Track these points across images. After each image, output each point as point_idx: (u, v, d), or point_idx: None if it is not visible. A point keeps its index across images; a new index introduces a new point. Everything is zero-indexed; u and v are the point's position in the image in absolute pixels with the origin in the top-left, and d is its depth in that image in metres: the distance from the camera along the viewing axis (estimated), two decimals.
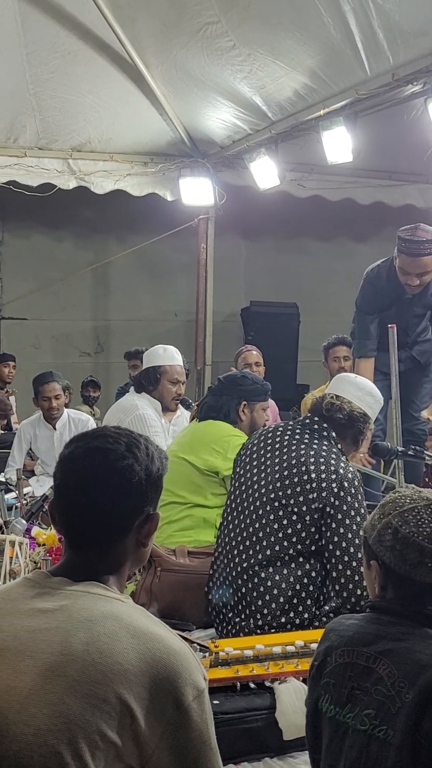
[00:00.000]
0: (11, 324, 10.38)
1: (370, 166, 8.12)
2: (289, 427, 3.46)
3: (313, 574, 3.20)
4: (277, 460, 3.34)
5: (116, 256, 9.84)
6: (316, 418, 3.42)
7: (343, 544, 3.14)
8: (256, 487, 3.35)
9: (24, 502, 4.62)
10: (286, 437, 3.39)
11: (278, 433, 3.44)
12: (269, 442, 3.43)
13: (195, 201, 8.44)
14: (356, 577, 3.12)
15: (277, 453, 3.36)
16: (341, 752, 1.89)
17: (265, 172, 7.53)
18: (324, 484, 3.19)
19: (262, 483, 3.33)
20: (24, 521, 4.20)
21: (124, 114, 7.82)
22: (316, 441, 3.34)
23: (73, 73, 7.32)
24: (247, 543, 3.29)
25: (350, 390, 3.44)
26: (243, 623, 3.22)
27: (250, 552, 3.26)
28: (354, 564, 3.12)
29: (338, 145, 6.46)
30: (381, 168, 8.38)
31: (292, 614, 3.17)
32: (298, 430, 3.41)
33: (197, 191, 8.33)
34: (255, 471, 3.40)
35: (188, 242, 9.24)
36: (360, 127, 6.35)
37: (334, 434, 3.37)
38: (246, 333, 9.81)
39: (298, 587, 3.17)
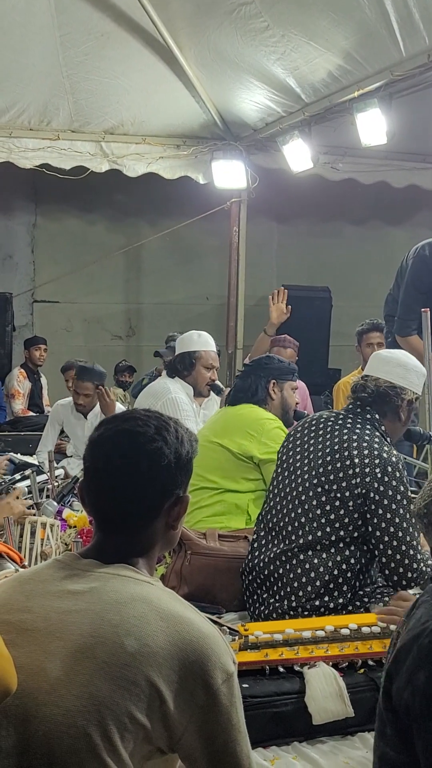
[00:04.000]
0: (44, 307, 10.43)
1: (405, 149, 8.03)
2: (333, 416, 3.45)
3: (353, 560, 3.19)
4: (320, 446, 3.33)
5: (148, 240, 9.83)
6: (358, 402, 3.41)
7: (391, 530, 3.12)
8: (299, 472, 3.35)
9: (55, 483, 4.63)
10: (330, 423, 3.38)
11: (322, 419, 3.44)
12: (313, 428, 3.42)
13: (227, 184, 8.41)
14: (406, 561, 3.11)
15: (320, 439, 3.35)
16: (386, 723, 1.90)
17: (298, 155, 7.48)
18: (367, 470, 3.17)
19: (306, 468, 3.32)
20: (55, 503, 4.22)
21: (156, 96, 7.79)
22: (359, 426, 3.32)
23: (106, 55, 7.31)
24: (289, 528, 3.28)
25: (377, 366, 3.42)
26: (277, 604, 3.22)
27: (292, 537, 3.26)
28: (403, 548, 3.11)
29: (372, 127, 6.39)
30: (416, 150, 8.29)
31: (327, 598, 3.16)
32: (341, 417, 3.40)
33: (230, 174, 8.29)
34: (298, 456, 3.39)
35: (220, 225, 9.21)
36: (395, 108, 6.27)
37: (377, 416, 3.36)
38: None
39: (336, 572, 3.17)
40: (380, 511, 3.14)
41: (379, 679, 2.05)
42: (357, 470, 3.18)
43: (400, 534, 3.12)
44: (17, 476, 4.47)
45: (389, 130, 6.36)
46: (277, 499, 3.41)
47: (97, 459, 1.82)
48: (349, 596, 3.19)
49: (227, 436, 4.05)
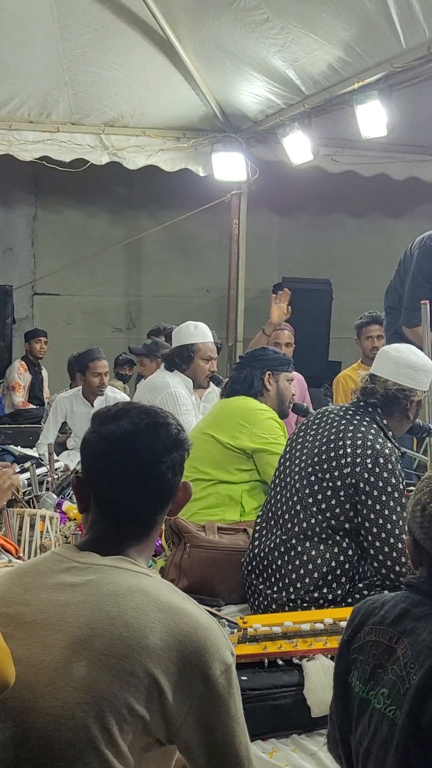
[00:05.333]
0: (44, 299, 10.41)
1: (405, 141, 8.01)
2: (337, 409, 3.47)
3: (350, 552, 3.20)
4: (318, 436, 3.35)
5: (148, 232, 9.81)
6: (362, 398, 3.42)
7: (380, 521, 3.12)
8: (297, 461, 3.37)
9: (55, 476, 4.64)
10: (332, 416, 3.40)
11: (326, 413, 3.46)
12: (317, 421, 3.44)
13: (227, 176, 8.39)
14: (394, 554, 3.11)
15: (320, 430, 3.37)
16: (366, 729, 1.89)
17: (298, 147, 7.46)
18: (358, 460, 3.18)
19: (303, 458, 3.35)
20: (55, 496, 4.23)
21: (156, 88, 7.77)
22: (357, 418, 3.33)
23: (106, 47, 7.29)
24: (286, 516, 3.30)
25: (386, 367, 3.41)
26: (275, 596, 3.24)
27: (289, 525, 3.28)
28: (392, 541, 3.11)
29: (372, 119, 6.38)
30: (416, 143, 8.26)
31: (325, 590, 3.17)
32: (343, 410, 3.42)
33: (230, 166, 8.28)
34: (299, 447, 3.42)
35: (221, 218, 9.19)
36: (395, 100, 6.26)
37: (379, 410, 3.36)
38: None
39: (333, 564, 3.17)
40: (369, 503, 3.14)
41: None
42: (348, 460, 3.19)
43: (389, 526, 3.12)
44: (17, 468, 4.47)
45: (389, 122, 6.36)
46: (278, 489, 3.43)
47: (128, 453, 1.80)
48: (348, 588, 3.19)
49: (220, 427, 4.05)
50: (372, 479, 3.15)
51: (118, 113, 7.90)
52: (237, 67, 7.13)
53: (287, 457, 3.47)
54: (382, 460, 3.17)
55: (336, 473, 3.20)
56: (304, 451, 3.37)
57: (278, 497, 3.40)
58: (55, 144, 7.79)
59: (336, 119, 7.23)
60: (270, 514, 3.41)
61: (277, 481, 3.46)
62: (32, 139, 7.74)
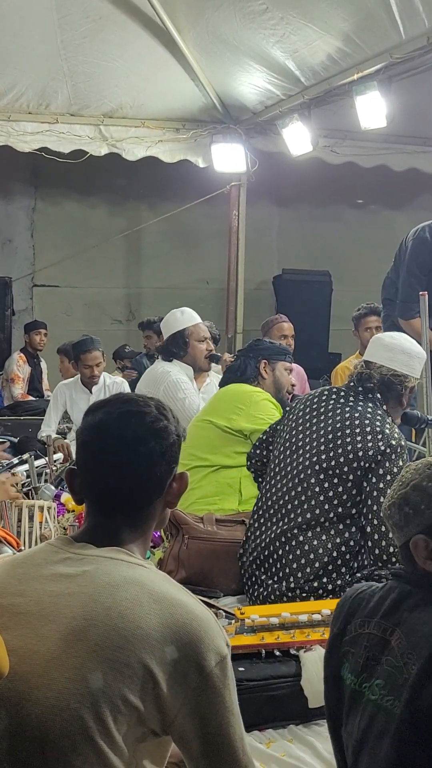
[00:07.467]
0: (43, 291, 10.40)
1: (405, 132, 8.00)
2: (334, 391, 3.47)
3: (352, 542, 3.19)
4: (322, 424, 3.34)
5: (148, 224, 9.80)
6: (360, 382, 3.42)
7: (381, 499, 3.11)
8: (300, 452, 3.36)
9: (54, 468, 4.64)
10: (332, 401, 3.40)
11: (323, 397, 3.45)
12: (314, 406, 3.44)
13: (227, 168, 8.39)
14: (390, 534, 3.11)
15: (322, 417, 3.37)
16: (357, 720, 1.89)
17: (298, 138, 7.46)
18: (370, 444, 3.19)
19: (307, 447, 3.34)
20: (53, 487, 4.23)
21: (155, 79, 7.76)
22: (361, 403, 3.34)
23: (105, 38, 7.28)
24: (288, 506, 3.29)
25: (381, 353, 3.42)
26: (275, 585, 3.23)
27: (291, 515, 3.27)
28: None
29: (372, 110, 6.38)
30: (416, 134, 8.26)
31: (325, 580, 3.17)
32: (343, 393, 3.42)
33: (229, 158, 8.28)
34: (300, 436, 3.40)
35: (220, 209, 9.18)
36: (394, 91, 6.26)
37: (379, 396, 3.37)
38: (278, 301, 9.74)
39: (335, 554, 3.17)
40: (374, 480, 3.15)
41: None
42: (359, 445, 3.20)
43: None
44: (15, 460, 4.47)
45: (389, 113, 6.36)
46: (278, 478, 3.41)
47: (105, 441, 1.80)
48: (347, 578, 3.19)
49: (216, 412, 4.08)
50: (380, 458, 3.17)
51: (117, 104, 7.90)
52: (236, 57, 7.12)
53: (287, 445, 3.45)
54: (393, 442, 3.20)
55: (342, 459, 3.21)
56: (307, 441, 3.35)
57: (279, 486, 3.39)
58: (54, 135, 7.79)
59: (336, 110, 7.23)
60: (270, 503, 3.40)
61: (276, 470, 3.44)
62: (31, 130, 7.73)
